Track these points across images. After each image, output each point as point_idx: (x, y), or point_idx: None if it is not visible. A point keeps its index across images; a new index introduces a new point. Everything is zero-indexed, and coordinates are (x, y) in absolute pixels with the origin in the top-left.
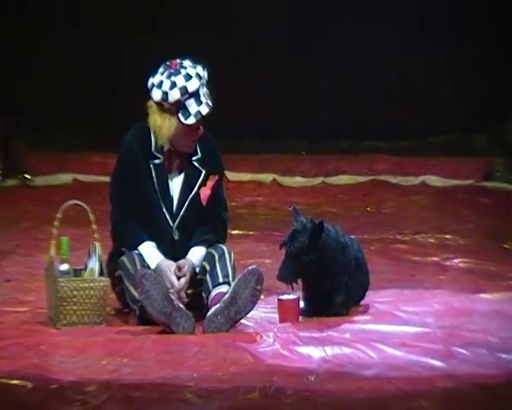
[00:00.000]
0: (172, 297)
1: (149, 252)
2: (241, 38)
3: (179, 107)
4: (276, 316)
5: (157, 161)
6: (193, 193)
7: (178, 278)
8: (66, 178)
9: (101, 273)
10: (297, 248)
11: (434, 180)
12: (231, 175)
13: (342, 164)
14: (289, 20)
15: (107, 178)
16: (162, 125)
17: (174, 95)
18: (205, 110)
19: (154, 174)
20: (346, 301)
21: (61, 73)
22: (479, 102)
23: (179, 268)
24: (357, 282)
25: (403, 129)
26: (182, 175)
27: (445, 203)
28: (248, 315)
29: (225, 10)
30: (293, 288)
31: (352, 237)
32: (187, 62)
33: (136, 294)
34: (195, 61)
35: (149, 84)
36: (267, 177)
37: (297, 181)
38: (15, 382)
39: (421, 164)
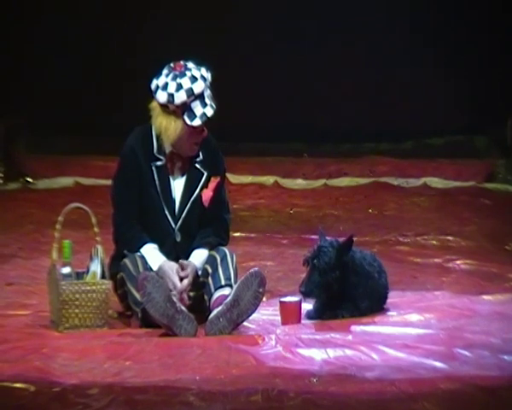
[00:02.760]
0: (174, 300)
1: (152, 254)
2: (240, 40)
3: (184, 109)
4: (279, 318)
5: (159, 163)
6: (195, 195)
7: (181, 279)
8: (67, 181)
9: (103, 276)
10: (324, 263)
11: (436, 182)
12: (233, 178)
13: (344, 166)
14: (290, 21)
15: (108, 181)
16: (168, 127)
17: (180, 97)
18: (210, 112)
19: (156, 176)
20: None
21: (61, 74)
22: (480, 103)
23: (182, 267)
24: (370, 309)
25: (404, 131)
26: (184, 177)
27: (447, 205)
28: (250, 317)
29: (224, 11)
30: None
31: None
32: (191, 64)
33: (138, 296)
34: (198, 63)
35: (153, 86)
36: (269, 179)
37: (299, 183)
38: (18, 385)
39: (423, 166)
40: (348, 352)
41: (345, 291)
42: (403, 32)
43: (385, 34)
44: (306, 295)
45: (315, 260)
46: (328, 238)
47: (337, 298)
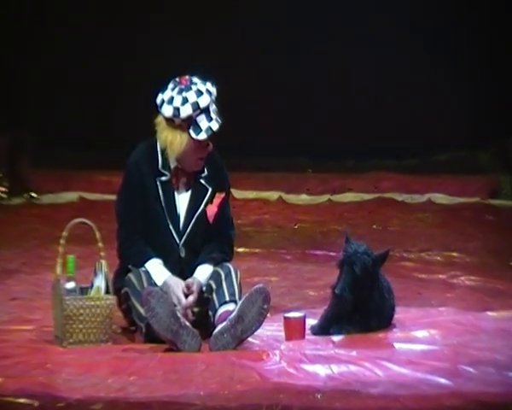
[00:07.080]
0: (179, 315)
1: (156, 269)
2: (245, 55)
3: (190, 123)
4: (283, 334)
5: (164, 179)
6: (199, 210)
7: (186, 296)
8: (71, 196)
9: (107, 291)
10: (362, 269)
11: (440, 198)
12: (237, 193)
13: (348, 182)
14: (293, 37)
15: (113, 196)
16: (173, 141)
17: (186, 110)
18: (215, 126)
19: (160, 191)
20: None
21: (66, 89)
22: (483, 119)
23: (188, 287)
24: (377, 328)
25: (408, 147)
26: (189, 192)
27: (451, 221)
28: (254, 333)
29: (230, 24)
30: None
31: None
32: (196, 79)
33: (142, 311)
34: (203, 78)
35: (159, 100)
36: (273, 195)
37: (303, 199)
38: (22, 400)
39: (427, 182)
40: (352, 368)
41: (358, 305)
42: (404, 49)
43: (387, 50)
44: (341, 297)
45: (354, 265)
46: (358, 243)
47: (348, 312)
